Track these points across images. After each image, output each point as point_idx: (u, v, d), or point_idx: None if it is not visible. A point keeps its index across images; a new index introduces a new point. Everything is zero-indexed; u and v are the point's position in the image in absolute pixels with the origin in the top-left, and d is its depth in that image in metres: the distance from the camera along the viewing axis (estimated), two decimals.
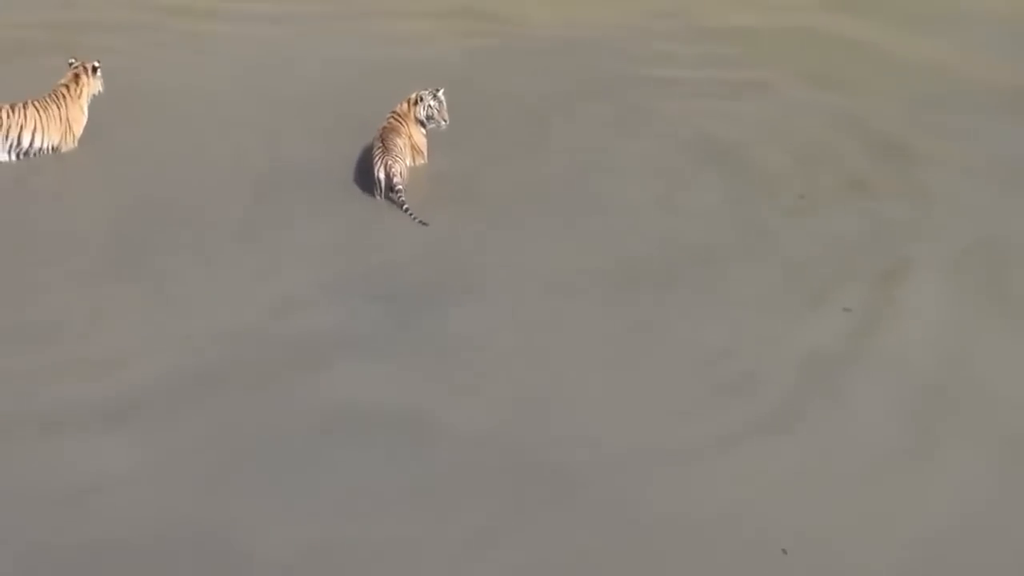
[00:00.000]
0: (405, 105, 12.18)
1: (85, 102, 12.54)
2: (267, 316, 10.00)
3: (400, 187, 11.54)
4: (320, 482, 8.37)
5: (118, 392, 9.10)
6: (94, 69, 12.57)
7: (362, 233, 11.22)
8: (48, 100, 12.38)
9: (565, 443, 8.69)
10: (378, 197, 11.58)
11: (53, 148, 12.32)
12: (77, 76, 12.54)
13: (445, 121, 12.14)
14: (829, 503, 8.20)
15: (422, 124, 12.18)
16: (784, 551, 7.80)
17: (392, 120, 12.09)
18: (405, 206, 11.40)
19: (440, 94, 12.17)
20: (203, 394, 9.09)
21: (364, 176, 11.80)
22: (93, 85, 12.58)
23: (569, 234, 11.16)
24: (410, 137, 12.11)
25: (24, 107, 12.27)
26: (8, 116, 12.20)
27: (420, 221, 11.23)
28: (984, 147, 12.66)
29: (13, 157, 12.23)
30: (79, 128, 12.47)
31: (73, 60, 12.61)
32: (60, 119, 12.34)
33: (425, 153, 12.20)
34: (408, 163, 11.95)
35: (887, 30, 15.32)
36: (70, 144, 12.40)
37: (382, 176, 11.57)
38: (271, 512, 8.13)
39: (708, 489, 8.31)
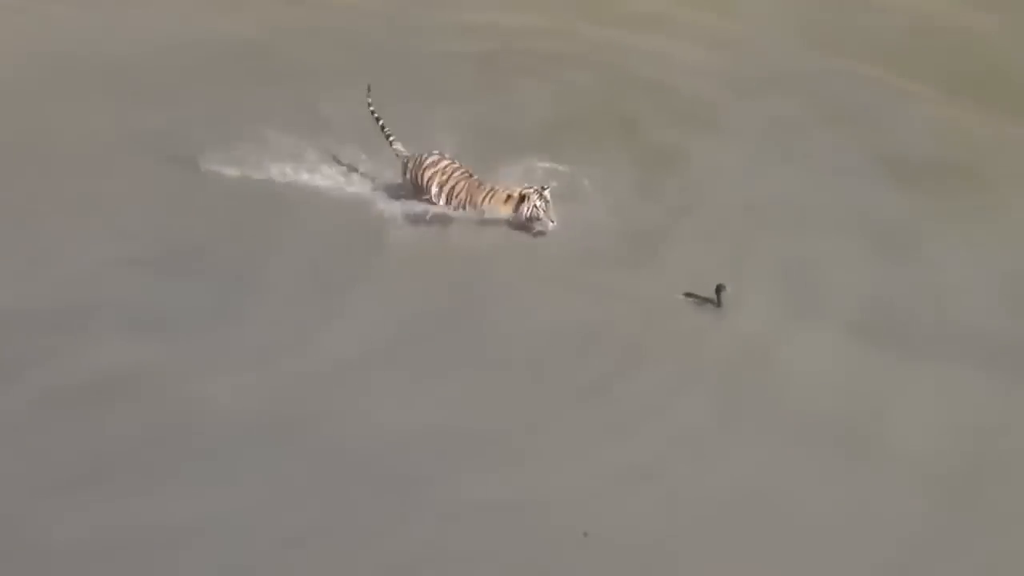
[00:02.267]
0: (503, 194, 11.22)
1: None
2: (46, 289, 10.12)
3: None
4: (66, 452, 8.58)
5: None
6: None
7: (163, 212, 11.20)
8: None
9: (349, 424, 8.85)
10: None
11: None
12: None
13: (553, 222, 11.04)
14: (630, 488, 8.54)
15: (524, 221, 11.10)
16: (585, 534, 8.20)
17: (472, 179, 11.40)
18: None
19: (547, 193, 11.07)
20: None
21: None
22: None
23: None
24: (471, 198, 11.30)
25: None
26: None
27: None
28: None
29: None
30: None
31: None
32: None
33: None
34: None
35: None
36: None
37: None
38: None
39: (517, 476, 8.60)
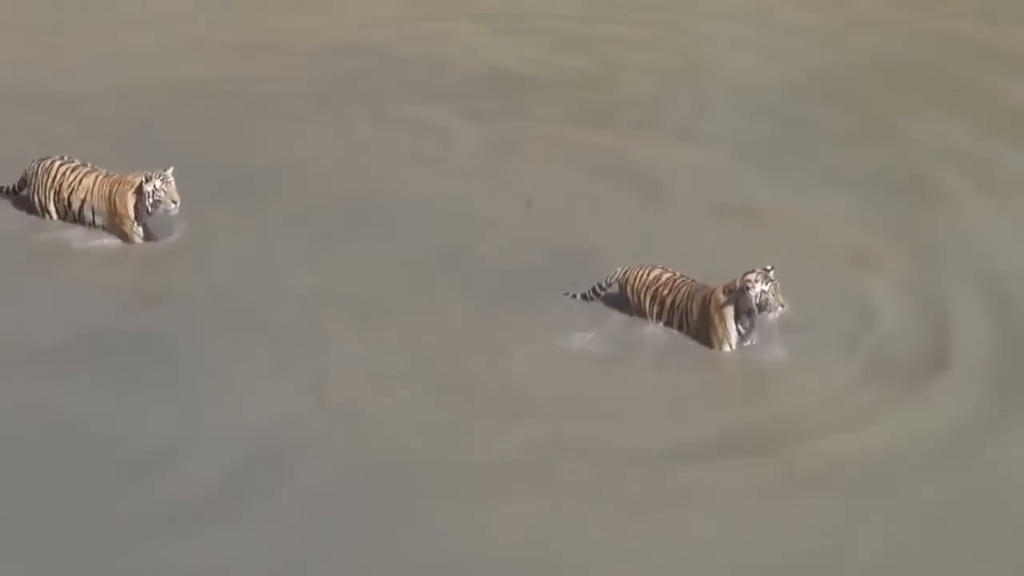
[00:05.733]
0: (720, 293, 9.97)
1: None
2: None
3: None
4: None
5: None
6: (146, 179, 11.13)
7: None
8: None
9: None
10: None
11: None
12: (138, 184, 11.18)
13: (783, 306, 9.87)
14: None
15: (747, 313, 9.96)
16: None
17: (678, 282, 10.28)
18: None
19: (771, 273, 9.87)
20: None
21: None
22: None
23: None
24: (710, 320, 10.03)
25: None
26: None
27: None
28: None
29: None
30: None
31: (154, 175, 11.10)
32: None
33: (726, 340, 10.04)
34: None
35: None
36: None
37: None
38: None
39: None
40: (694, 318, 10.13)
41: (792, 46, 15.41)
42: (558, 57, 15.20)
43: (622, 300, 10.50)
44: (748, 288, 9.85)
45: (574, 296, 10.60)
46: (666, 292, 10.30)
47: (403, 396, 9.61)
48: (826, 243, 11.45)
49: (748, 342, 10.06)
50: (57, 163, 11.59)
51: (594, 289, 10.55)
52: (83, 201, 11.44)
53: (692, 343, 10.17)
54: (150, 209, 11.12)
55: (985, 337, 10.21)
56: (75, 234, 11.48)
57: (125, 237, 11.34)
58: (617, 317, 10.47)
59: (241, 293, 10.72)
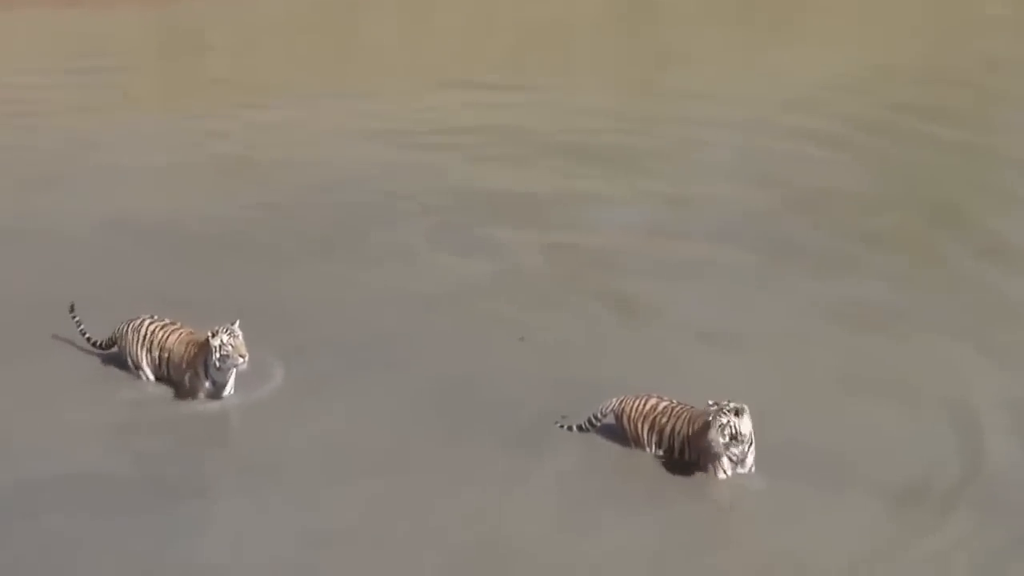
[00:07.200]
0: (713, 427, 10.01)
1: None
2: None
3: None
4: None
5: None
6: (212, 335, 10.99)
7: None
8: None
9: None
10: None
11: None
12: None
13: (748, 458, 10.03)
14: None
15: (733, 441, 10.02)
16: None
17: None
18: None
19: (745, 413, 9.96)
20: None
21: None
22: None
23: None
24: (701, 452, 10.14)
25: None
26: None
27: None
28: None
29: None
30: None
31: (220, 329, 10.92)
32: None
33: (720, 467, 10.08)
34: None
35: None
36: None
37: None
38: None
39: None
40: (695, 443, 10.21)
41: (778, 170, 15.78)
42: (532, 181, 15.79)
43: (618, 430, 10.59)
44: (716, 420, 9.95)
45: (569, 428, 10.70)
46: (664, 420, 10.38)
47: (403, 542, 9.58)
48: (814, 369, 11.62)
49: (743, 469, 10.07)
50: (147, 322, 11.57)
51: (589, 420, 10.64)
52: (167, 359, 11.40)
53: (689, 470, 10.23)
54: (217, 364, 10.96)
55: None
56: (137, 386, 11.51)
57: (192, 392, 11.23)
58: (613, 447, 10.53)
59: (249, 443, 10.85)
